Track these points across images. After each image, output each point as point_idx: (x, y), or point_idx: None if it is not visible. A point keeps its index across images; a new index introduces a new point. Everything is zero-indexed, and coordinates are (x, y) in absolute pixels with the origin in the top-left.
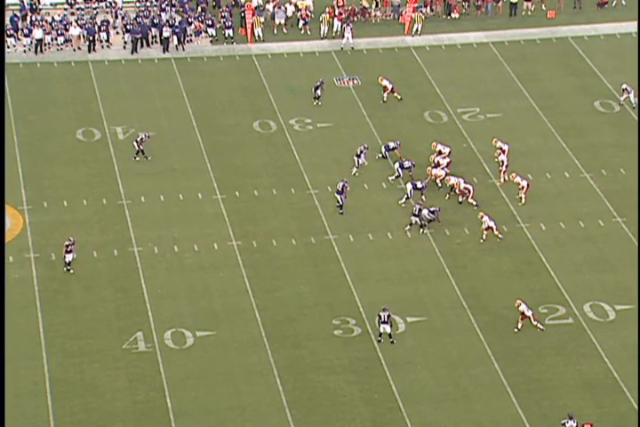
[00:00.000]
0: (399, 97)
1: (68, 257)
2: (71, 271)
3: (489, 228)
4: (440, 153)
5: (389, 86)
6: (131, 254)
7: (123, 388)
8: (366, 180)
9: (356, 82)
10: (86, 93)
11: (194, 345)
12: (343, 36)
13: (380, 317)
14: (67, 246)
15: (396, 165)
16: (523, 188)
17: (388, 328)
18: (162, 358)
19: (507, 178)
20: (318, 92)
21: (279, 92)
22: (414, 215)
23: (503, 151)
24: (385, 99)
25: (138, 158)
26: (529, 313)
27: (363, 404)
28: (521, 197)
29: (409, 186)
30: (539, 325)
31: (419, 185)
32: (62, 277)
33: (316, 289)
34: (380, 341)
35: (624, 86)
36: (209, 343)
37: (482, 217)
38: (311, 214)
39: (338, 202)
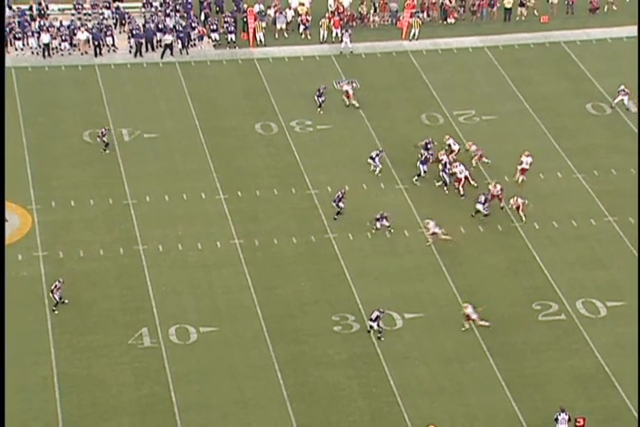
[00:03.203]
0: (357, 105)
1: (56, 295)
2: (55, 310)
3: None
4: (450, 147)
5: (350, 92)
6: (136, 253)
7: (128, 382)
8: (365, 180)
9: (354, 85)
10: (93, 96)
11: (197, 341)
12: (341, 41)
13: (371, 313)
14: (56, 288)
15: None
16: (518, 207)
17: (374, 325)
18: (166, 353)
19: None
20: (321, 98)
21: (280, 95)
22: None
23: (481, 156)
24: (347, 104)
25: (107, 151)
26: (474, 316)
27: (361, 398)
28: (522, 217)
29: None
30: (484, 323)
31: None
32: (70, 274)
33: (316, 286)
34: (369, 331)
35: (621, 87)
36: (212, 339)
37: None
38: (311, 214)
39: (339, 212)
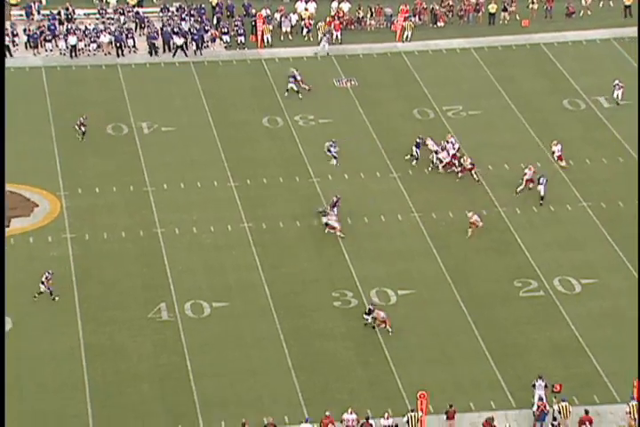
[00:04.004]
0: (307, 88)
1: (47, 288)
2: (36, 297)
3: (333, 227)
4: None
5: (299, 78)
6: (155, 235)
7: (148, 352)
8: (362, 169)
9: (353, 83)
10: (115, 93)
11: (211, 315)
12: (319, 44)
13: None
14: (47, 280)
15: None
16: (472, 224)
17: (369, 318)
18: (182, 326)
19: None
20: (292, 85)
21: (285, 92)
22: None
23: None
24: (307, 88)
25: (84, 140)
26: (386, 319)
27: (359, 367)
28: (468, 232)
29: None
30: (389, 328)
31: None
32: (95, 254)
33: (317, 265)
34: (365, 324)
35: (616, 82)
36: (224, 313)
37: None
38: (313, 200)
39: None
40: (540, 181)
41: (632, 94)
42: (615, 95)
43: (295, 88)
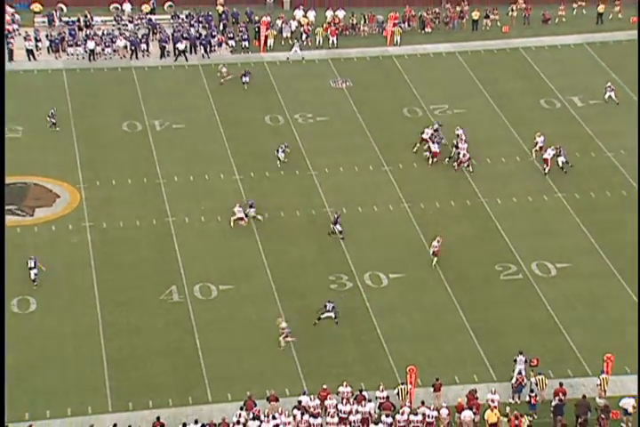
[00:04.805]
0: (228, 78)
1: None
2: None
3: (240, 219)
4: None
5: (224, 70)
6: (166, 223)
7: (161, 330)
8: (357, 163)
9: (348, 84)
10: (130, 93)
11: (218, 296)
12: (291, 49)
13: (325, 306)
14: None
15: None
16: (435, 251)
17: (332, 315)
18: (192, 306)
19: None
20: (246, 78)
21: (286, 92)
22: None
23: (459, 137)
24: (222, 82)
25: (58, 129)
26: (287, 331)
27: (353, 344)
28: (433, 260)
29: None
30: (290, 339)
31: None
32: (112, 241)
33: (316, 251)
34: (327, 318)
35: (608, 84)
36: (230, 295)
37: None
38: (312, 191)
39: (333, 231)
40: (560, 152)
41: (599, 94)
42: (607, 96)
43: (247, 80)
